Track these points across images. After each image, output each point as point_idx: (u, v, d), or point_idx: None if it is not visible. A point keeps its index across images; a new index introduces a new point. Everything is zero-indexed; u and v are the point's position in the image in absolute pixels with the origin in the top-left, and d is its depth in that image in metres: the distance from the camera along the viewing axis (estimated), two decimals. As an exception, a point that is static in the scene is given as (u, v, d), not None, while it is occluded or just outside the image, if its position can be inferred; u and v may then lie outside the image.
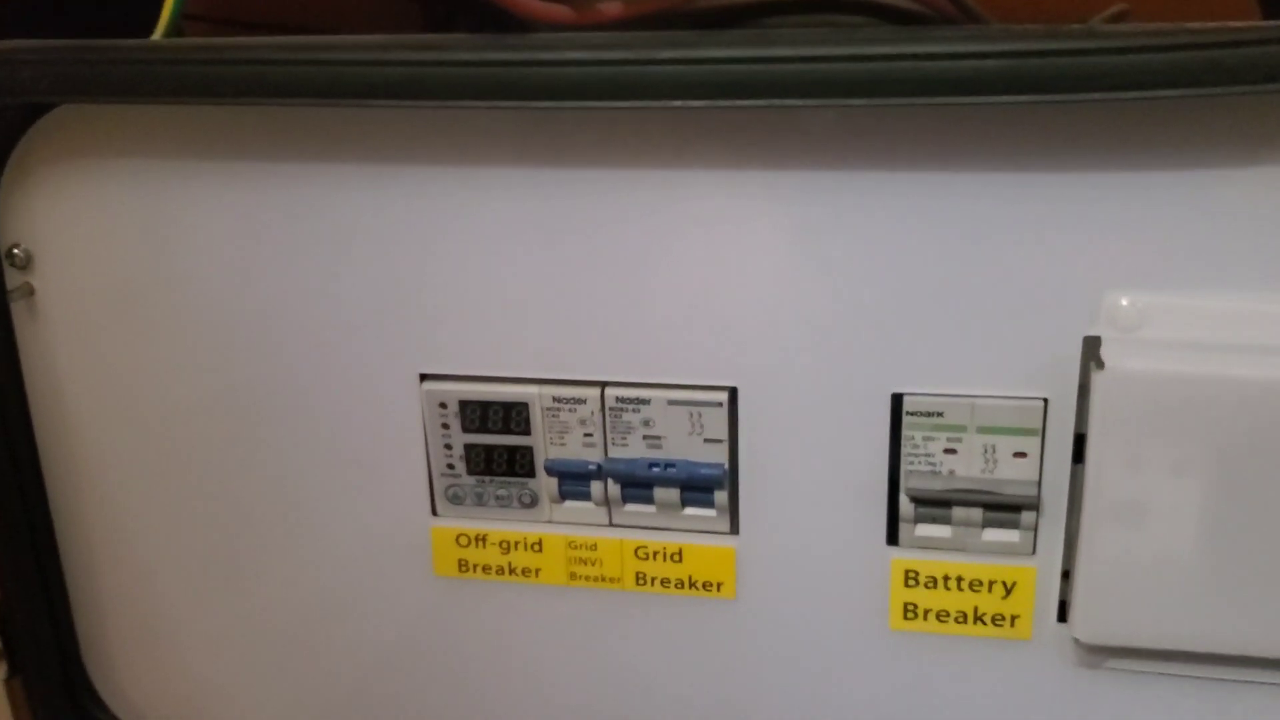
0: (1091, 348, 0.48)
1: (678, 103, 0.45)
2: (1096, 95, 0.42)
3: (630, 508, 0.55)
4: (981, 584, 0.53)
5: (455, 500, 0.56)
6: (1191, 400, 0.47)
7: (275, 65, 0.48)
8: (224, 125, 0.52)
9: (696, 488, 0.54)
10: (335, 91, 0.48)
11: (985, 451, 0.50)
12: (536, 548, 0.56)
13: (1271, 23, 0.41)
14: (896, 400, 0.51)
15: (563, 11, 0.57)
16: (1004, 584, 0.52)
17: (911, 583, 0.53)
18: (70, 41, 0.50)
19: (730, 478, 0.54)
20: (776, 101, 0.44)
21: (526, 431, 0.54)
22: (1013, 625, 0.53)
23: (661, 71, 0.45)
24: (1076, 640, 0.51)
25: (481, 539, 0.57)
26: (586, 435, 0.54)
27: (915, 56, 0.43)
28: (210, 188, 0.53)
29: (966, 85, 0.43)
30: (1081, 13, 0.64)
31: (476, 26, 0.61)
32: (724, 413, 0.52)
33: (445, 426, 0.55)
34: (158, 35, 0.51)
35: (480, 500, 0.56)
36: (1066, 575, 0.52)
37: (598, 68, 0.45)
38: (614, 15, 0.59)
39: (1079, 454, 0.50)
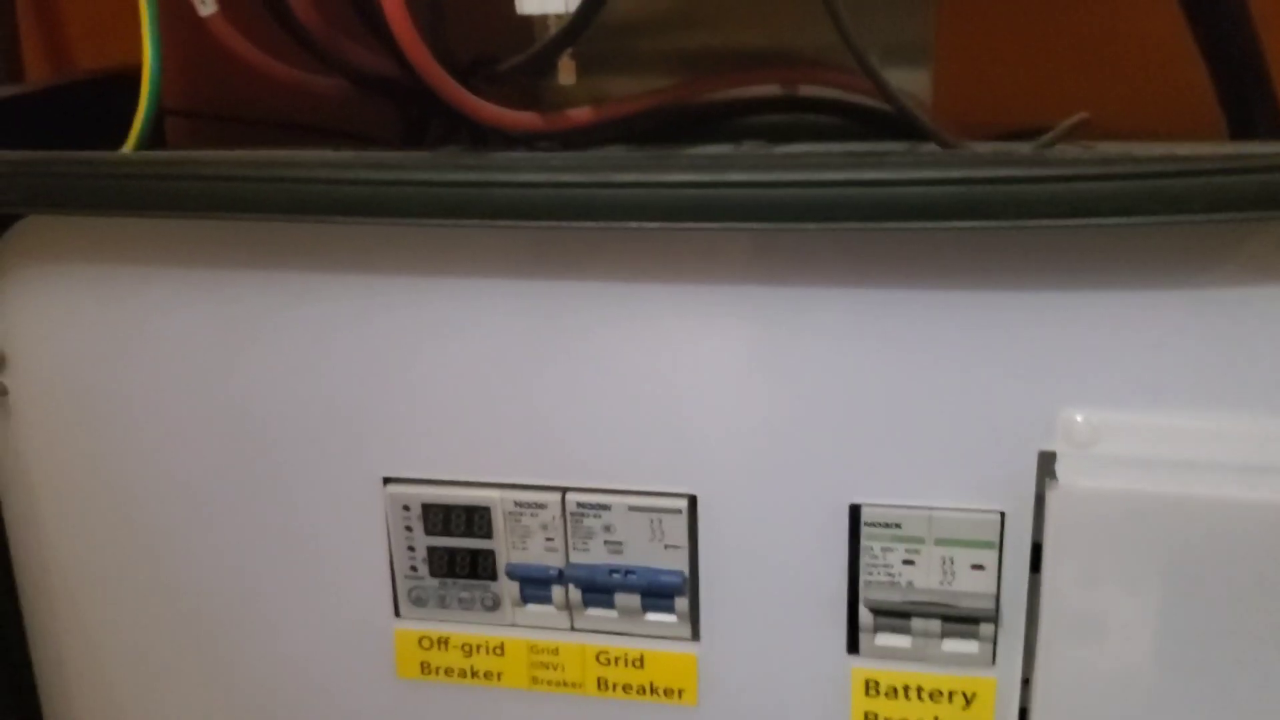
0: (1047, 463, 0.48)
1: (634, 224, 0.46)
2: (1044, 222, 0.43)
3: (592, 612, 0.55)
4: (942, 694, 0.53)
5: (418, 602, 0.57)
6: (1144, 517, 0.47)
7: (240, 182, 0.49)
8: (192, 234, 0.53)
9: (657, 594, 0.54)
10: (299, 209, 0.48)
11: (943, 563, 0.51)
12: (499, 651, 0.56)
13: (1211, 152, 0.42)
14: (855, 511, 0.51)
15: (531, 119, 0.58)
16: (964, 694, 0.52)
17: (872, 692, 0.53)
18: (40, 154, 0.51)
19: (691, 584, 0.54)
20: (731, 225, 0.45)
21: (489, 535, 0.55)
22: (974, 735, 0.53)
23: (617, 195, 0.45)
24: (1036, 752, 0.51)
25: (444, 642, 0.57)
26: (548, 540, 0.54)
27: (866, 183, 0.43)
28: (178, 294, 0.54)
29: (917, 211, 0.44)
30: (1045, 118, 0.66)
31: (449, 131, 0.62)
32: (684, 520, 0.53)
33: (409, 529, 0.55)
34: (128, 148, 0.52)
35: (443, 602, 0.56)
36: (1027, 682, 0.52)
37: (555, 189, 0.46)
38: (582, 121, 0.60)
39: (1036, 563, 0.50)
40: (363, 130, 0.69)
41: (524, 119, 0.58)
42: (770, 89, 0.67)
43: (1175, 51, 0.61)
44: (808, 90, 0.67)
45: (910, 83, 0.67)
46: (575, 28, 0.53)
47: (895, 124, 0.60)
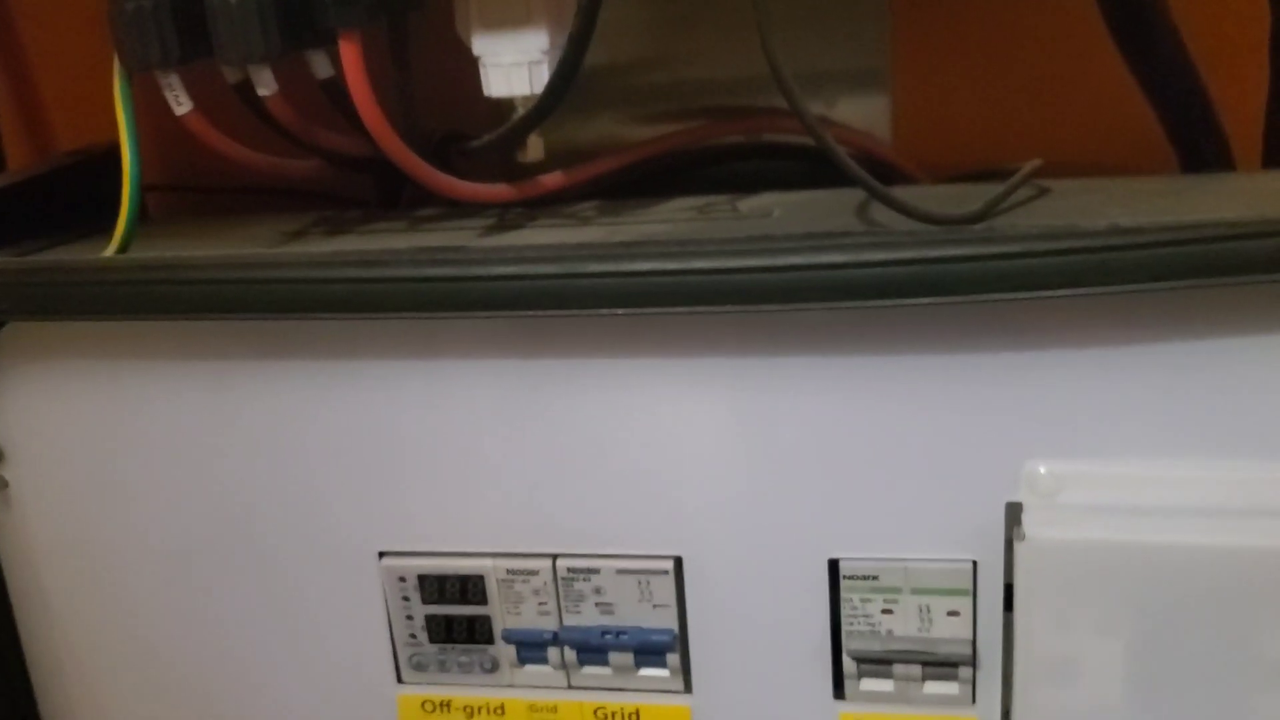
0: (1014, 513, 0.50)
1: (604, 311, 0.48)
2: (994, 296, 0.45)
3: (587, 670, 0.57)
4: (926, 734, 0.55)
5: (419, 668, 0.59)
6: (1109, 563, 0.49)
7: (222, 284, 0.50)
8: (182, 329, 0.54)
9: (649, 651, 0.56)
10: (283, 308, 0.50)
11: (920, 611, 0.53)
12: (499, 711, 0.58)
13: (1151, 224, 0.44)
14: (834, 565, 0.53)
15: (504, 191, 0.60)
16: (947, 733, 0.55)
17: (859, 735, 0.55)
18: (25, 261, 0.53)
19: (681, 640, 0.56)
20: (697, 309, 0.47)
21: (484, 602, 0.57)
22: (959, 771, 0.55)
23: (589, 284, 0.47)
24: (1019, 785, 0.54)
25: (446, 704, 0.59)
26: (541, 604, 0.56)
27: (825, 266, 0.45)
28: (168, 385, 0.56)
29: (874, 291, 0.46)
30: (1003, 142, 0.68)
31: (424, 198, 0.64)
32: (671, 580, 0.55)
33: (406, 599, 0.57)
34: (111, 251, 0.54)
35: (443, 667, 0.58)
36: (1007, 715, 0.54)
37: (530, 281, 0.48)
38: (555, 186, 0.62)
39: (1010, 603, 0.52)
40: (339, 193, 0.70)
41: (495, 192, 0.60)
42: (737, 139, 0.69)
43: (1130, 80, 0.63)
44: (771, 138, 0.69)
45: (869, 111, 0.69)
46: (541, 110, 0.55)
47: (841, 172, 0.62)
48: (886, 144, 0.69)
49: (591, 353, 0.52)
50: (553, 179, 0.62)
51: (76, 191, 0.69)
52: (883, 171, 0.65)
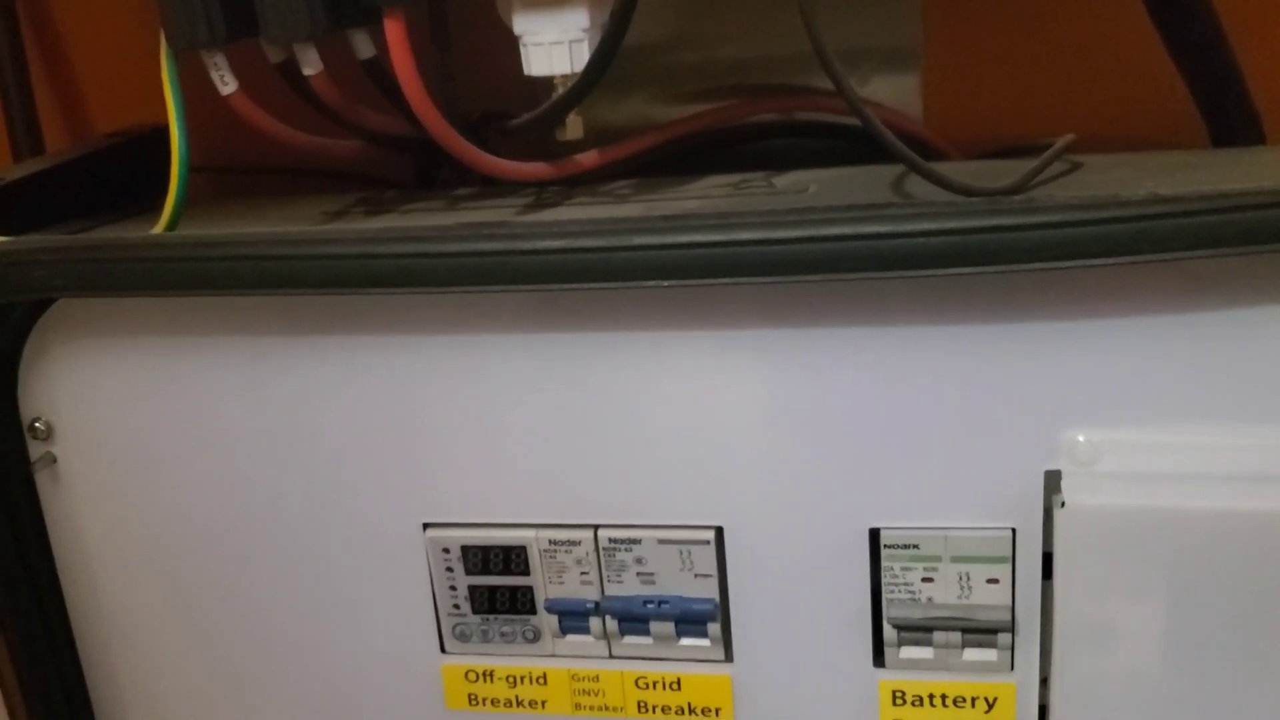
0: (1052, 481, 0.51)
1: (649, 283, 0.48)
2: (1035, 265, 0.46)
3: (629, 640, 0.58)
4: (965, 700, 0.55)
5: (462, 638, 0.59)
6: (1147, 530, 0.50)
7: (272, 260, 0.51)
8: (229, 305, 0.55)
9: (690, 621, 0.57)
10: (331, 283, 0.51)
11: (960, 579, 0.53)
12: (541, 681, 0.59)
13: (1190, 193, 0.44)
14: (874, 534, 0.54)
15: (540, 169, 0.61)
16: (986, 699, 0.55)
17: (899, 702, 0.56)
18: (75, 239, 0.54)
19: (722, 610, 0.57)
20: (740, 280, 0.48)
21: (526, 572, 0.58)
22: (997, 737, 0.56)
23: (632, 257, 0.48)
24: (1057, 751, 0.54)
25: (489, 674, 0.60)
26: (583, 574, 0.57)
27: (866, 237, 0.46)
28: (216, 361, 0.57)
29: (916, 260, 0.46)
30: (1035, 121, 0.68)
31: (462, 176, 0.65)
32: (712, 550, 0.55)
33: (449, 570, 0.58)
34: (160, 229, 0.55)
35: (486, 637, 0.59)
36: (1045, 682, 0.55)
37: (573, 254, 0.49)
38: (591, 165, 0.62)
39: (1049, 570, 0.53)
40: (377, 174, 0.71)
41: (533, 170, 0.61)
42: (770, 116, 0.69)
43: (1162, 55, 0.63)
44: (805, 116, 0.69)
45: (901, 89, 0.70)
46: (581, 89, 0.56)
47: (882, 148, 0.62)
48: (918, 121, 0.69)
49: (633, 325, 0.53)
50: (589, 158, 0.62)
51: (117, 173, 0.70)
52: (915, 148, 0.66)
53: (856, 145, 0.67)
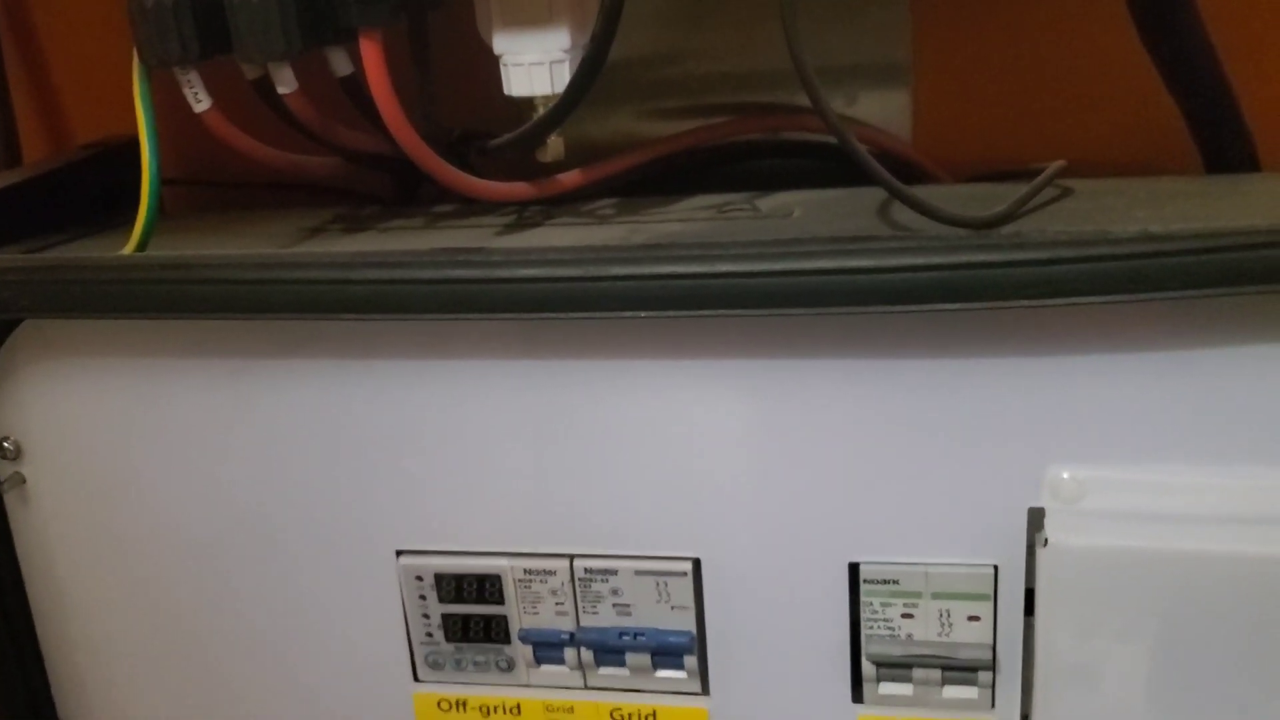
0: (1036, 519, 0.50)
1: (627, 314, 0.47)
2: (1021, 303, 0.45)
3: (604, 671, 0.57)
4: (945, 738, 0.55)
5: (435, 666, 0.58)
6: (1131, 570, 0.49)
7: (242, 285, 0.50)
8: (200, 327, 0.54)
9: (666, 653, 0.56)
10: (303, 308, 0.50)
11: (940, 616, 0.53)
12: (515, 711, 0.58)
13: (1183, 231, 0.43)
14: (854, 569, 0.53)
15: (523, 189, 0.60)
16: (966, 737, 0.54)
17: (878, 738, 0.55)
18: (43, 259, 0.53)
19: (699, 642, 0.56)
20: (720, 312, 0.47)
21: (500, 601, 0.57)
22: (977, 776, 0.55)
23: (611, 287, 0.47)
24: (1038, 791, 0.53)
25: (462, 704, 0.59)
26: (558, 604, 0.56)
27: (849, 271, 0.45)
28: (186, 383, 0.56)
29: (899, 296, 0.45)
30: (1020, 157, 0.67)
31: (441, 194, 0.64)
32: (689, 582, 0.55)
33: (423, 598, 0.57)
34: (129, 250, 0.54)
35: (459, 666, 0.58)
36: (1026, 717, 0.54)
37: (551, 284, 0.48)
38: (572, 185, 0.61)
39: (1031, 607, 0.52)
40: (356, 189, 0.70)
41: (513, 190, 0.60)
42: (755, 136, 0.68)
43: (1156, 77, 0.62)
44: (793, 136, 0.68)
45: (890, 107, 0.69)
46: (562, 110, 0.54)
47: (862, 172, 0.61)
48: (906, 141, 0.69)
49: (612, 354, 0.52)
50: (570, 178, 0.61)
51: (94, 185, 0.69)
52: (902, 169, 0.65)
53: (843, 166, 0.66)
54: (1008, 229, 0.48)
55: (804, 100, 0.66)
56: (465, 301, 0.48)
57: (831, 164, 0.67)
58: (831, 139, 0.66)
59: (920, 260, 0.45)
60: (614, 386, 0.52)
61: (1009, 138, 0.70)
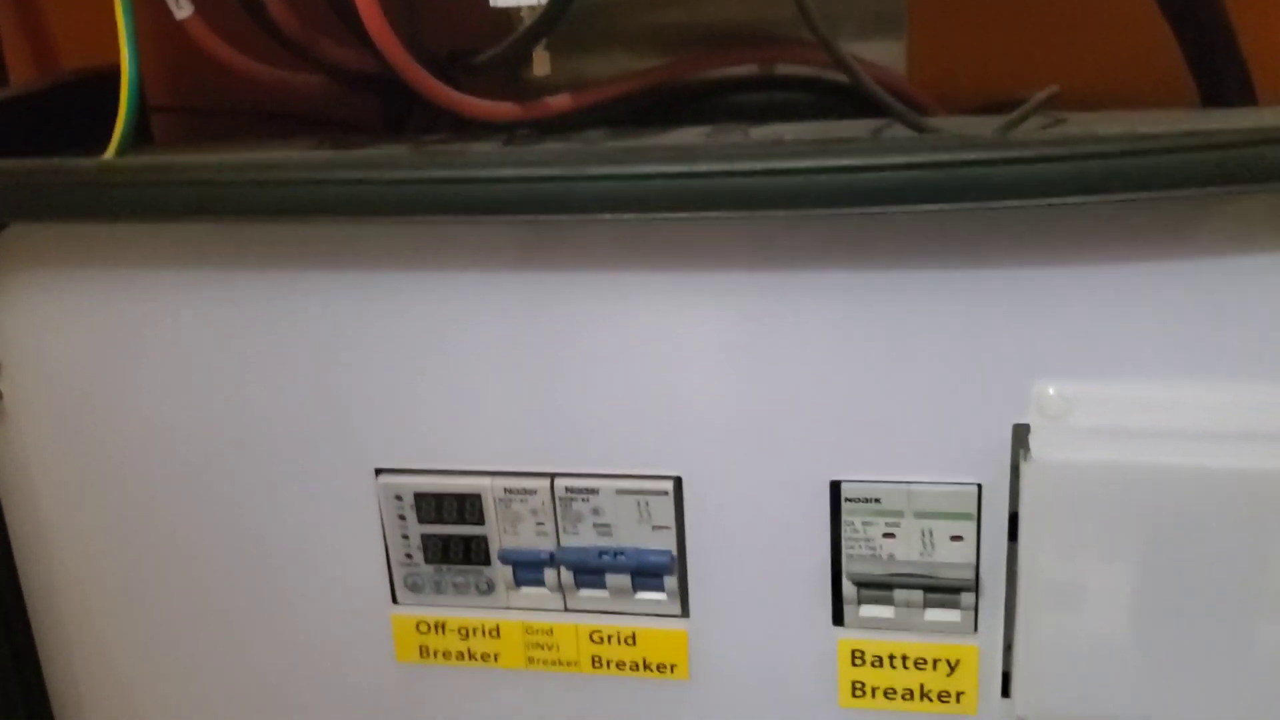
0: (1021, 435, 0.49)
1: (609, 215, 0.47)
2: (1008, 203, 0.44)
3: (584, 593, 0.56)
4: (926, 662, 0.54)
5: (414, 588, 0.58)
6: (1117, 487, 0.48)
7: (221, 186, 0.49)
8: (179, 236, 0.54)
9: (647, 573, 0.55)
10: (281, 210, 0.49)
11: (923, 535, 0.52)
12: (494, 634, 0.58)
13: (1171, 129, 0.43)
14: (835, 488, 0.52)
15: (510, 109, 0.59)
16: (948, 662, 0.54)
17: (858, 662, 0.55)
18: (22, 163, 0.52)
19: (679, 563, 0.55)
20: (702, 214, 0.46)
21: (480, 522, 0.56)
22: (958, 701, 0.54)
23: (592, 187, 0.46)
24: (1020, 716, 0.53)
25: (441, 626, 0.58)
26: (539, 524, 0.56)
27: (832, 170, 0.44)
28: (168, 295, 0.55)
29: (882, 196, 0.44)
30: (1020, 84, 0.66)
31: (431, 119, 0.63)
32: (670, 501, 0.54)
33: (402, 518, 0.57)
34: (109, 154, 0.53)
35: (439, 588, 0.58)
36: (1009, 648, 0.53)
37: (532, 184, 0.47)
38: (561, 108, 0.60)
39: (1014, 532, 0.51)
40: (346, 118, 0.69)
41: (502, 109, 0.59)
42: (747, 69, 0.68)
43: (1151, 16, 0.61)
44: (784, 69, 0.68)
45: (885, 52, 0.68)
46: (547, 20, 0.54)
47: (870, 100, 0.61)
48: (903, 77, 0.68)
49: (592, 265, 0.51)
50: (560, 100, 0.61)
51: (81, 109, 0.68)
52: (900, 103, 0.64)
53: (836, 100, 0.66)
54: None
55: (799, 35, 0.66)
56: (445, 202, 0.48)
57: (825, 98, 0.66)
58: (825, 72, 0.66)
59: (903, 159, 0.44)
60: (595, 300, 0.52)
61: (1004, 80, 0.69)
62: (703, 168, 0.45)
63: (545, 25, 0.54)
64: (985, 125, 0.51)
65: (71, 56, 0.80)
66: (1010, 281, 0.48)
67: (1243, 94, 0.62)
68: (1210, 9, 0.59)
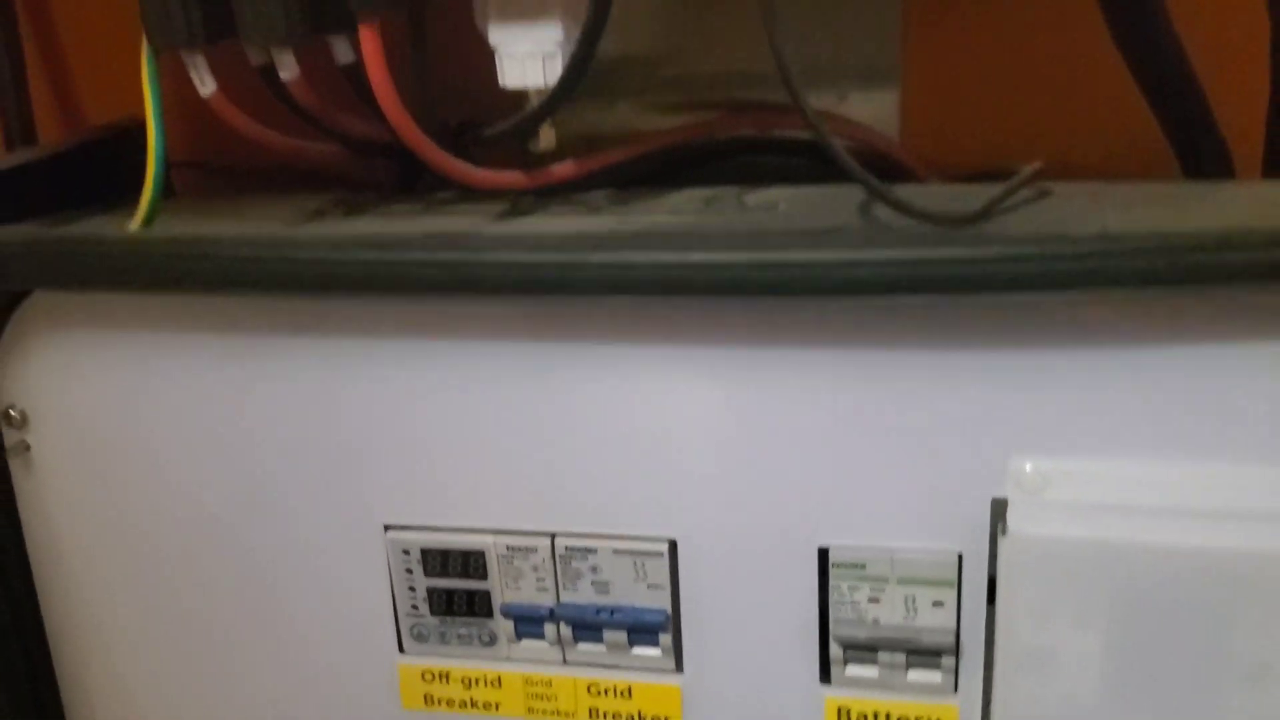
0: (999, 509, 0.52)
1: (608, 298, 0.49)
2: (984, 295, 0.46)
3: (583, 647, 0.59)
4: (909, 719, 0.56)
5: (420, 639, 0.60)
6: (1090, 561, 0.50)
7: (239, 262, 0.52)
8: (201, 303, 0.56)
9: (642, 630, 0.58)
10: (299, 286, 0.52)
11: (906, 601, 0.54)
12: (496, 684, 0.60)
13: (1137, 231, 0.45)
14: (824, 553, 0.55)
15: (515, 178, 0.62)
16: (930, 720, 0.56)
17: (845, 719, 0.57)
18: (50, 233, 0.55)
19: (673, 620, 0.57)
20: (696, 299, 0.49)
21: (484, 577, 0.58)
22: (940, 757, 0.56)
23: (594, 273, 0.49)
24: (997, 773, 0.55)
25: (445, 675, 0.61)
26: (539, 581, 0.58)
27: (819, 264, 0.47)
28: (186, 357, 0.58)
29: (866, 287, 0.47)
30: (1005, 157, 0.68)
31: (440, 183, 0.65)
32: (665, 562, 0.56)
33: (409, 571, 0.59)
34: (135, 226, 0.56)
35: (443, 639, 0.60)
36: (988, 703, 0.55)
37: (538, 269, 0.50)
38: (566, 176, 0.63)
39: (993, 595, 0.53)
40: (358, 177, 0.72)
41: (507, 178, 0.62)
42: (745, 133, 0.70)
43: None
44: (781, 133, 0.70)
45: (879, 107, 0.70)
46: (555, 100, 0.56)
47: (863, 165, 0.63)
48: (893, 140, 0.70)
49: (595, 338, 0.54)
50: (564, 168, 0.63)
51: (106, 165, 0.71)
52: (887, 167, 0.67)
53: (832, 164, 0.68)
54: (975, 228, 0.49)
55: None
56: (455, 283, 0.51)
57: (822, 161, 0.68)
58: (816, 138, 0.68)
59: (887, 255, 0.47)
60: (596, 371, 0.54)
61: (995, 140, 0.72)
62: (697, 258, 0.48)
63: (551, 106, 0.57)
64: (970, 198, 0.53)
65: (97, 103, 0.82)
66: (990, 362, 0.50)
67: (1220, 166, 0.64)
68: (1185, 85, 0.61)
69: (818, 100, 0.64)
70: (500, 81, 0.57)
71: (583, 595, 0.58)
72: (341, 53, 0.58)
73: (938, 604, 0.54)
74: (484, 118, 0.63)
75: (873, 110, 0.69)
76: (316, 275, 0.52)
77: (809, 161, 0.69)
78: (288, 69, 0.55)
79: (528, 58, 0.56)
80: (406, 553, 0.59)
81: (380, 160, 0.67)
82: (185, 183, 0.77)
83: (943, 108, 0.72)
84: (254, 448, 0.59)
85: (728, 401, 0.54)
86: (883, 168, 0.62)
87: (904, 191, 0.53)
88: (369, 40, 0.54)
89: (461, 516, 0.58)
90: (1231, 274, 0.44)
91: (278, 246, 0.52)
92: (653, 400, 0.54)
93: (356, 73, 0.58)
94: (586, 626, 0.58)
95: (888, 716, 0.56)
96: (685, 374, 0.53)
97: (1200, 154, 0.63)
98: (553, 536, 0.57)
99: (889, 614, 0.54)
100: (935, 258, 0.46)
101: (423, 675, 0.61)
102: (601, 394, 0.54)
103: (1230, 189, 0.61)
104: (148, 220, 0.55)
